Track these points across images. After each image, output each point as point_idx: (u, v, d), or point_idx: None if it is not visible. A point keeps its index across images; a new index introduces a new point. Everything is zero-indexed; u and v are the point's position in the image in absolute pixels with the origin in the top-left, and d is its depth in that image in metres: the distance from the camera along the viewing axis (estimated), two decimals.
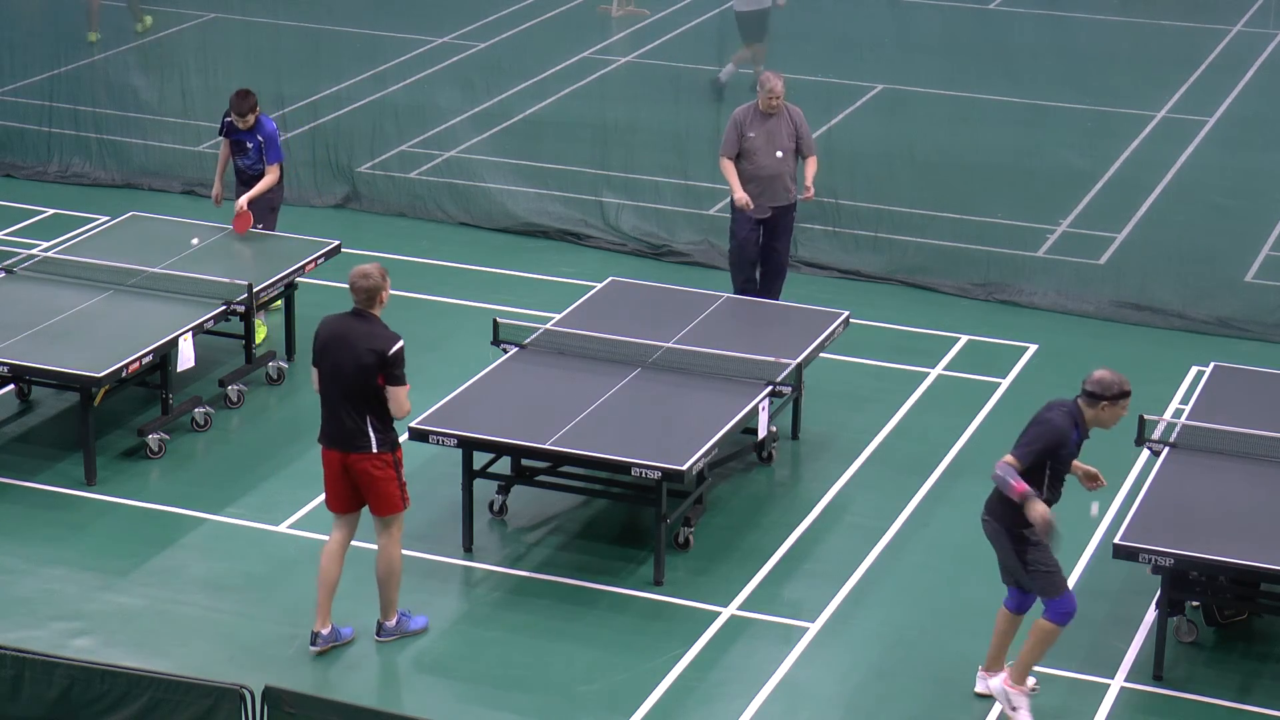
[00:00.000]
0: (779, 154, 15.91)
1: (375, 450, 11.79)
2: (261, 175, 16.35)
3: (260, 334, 16.02)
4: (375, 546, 12.21)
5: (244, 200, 16.23)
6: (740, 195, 15.82)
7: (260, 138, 16.28)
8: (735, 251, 16.24)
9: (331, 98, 21.34)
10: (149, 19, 24.31)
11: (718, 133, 19.79)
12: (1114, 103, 21.66)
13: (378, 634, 12.27)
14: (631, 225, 18.82)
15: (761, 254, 16.22)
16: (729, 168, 15.95)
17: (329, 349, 11.83)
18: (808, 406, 15.05)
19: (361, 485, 11.91)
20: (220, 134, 16.63)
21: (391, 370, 11.69)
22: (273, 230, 16.44)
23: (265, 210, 16.44)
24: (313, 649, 12.12)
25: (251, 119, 16.25)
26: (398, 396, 11.75)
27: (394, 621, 12.25)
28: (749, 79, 21.37)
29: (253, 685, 9.92)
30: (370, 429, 11.77)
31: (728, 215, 18.15)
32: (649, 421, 13.31)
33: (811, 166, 16.15)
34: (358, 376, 11.68)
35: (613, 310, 15.11)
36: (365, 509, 12.08)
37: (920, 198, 19.07)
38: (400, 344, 11.74)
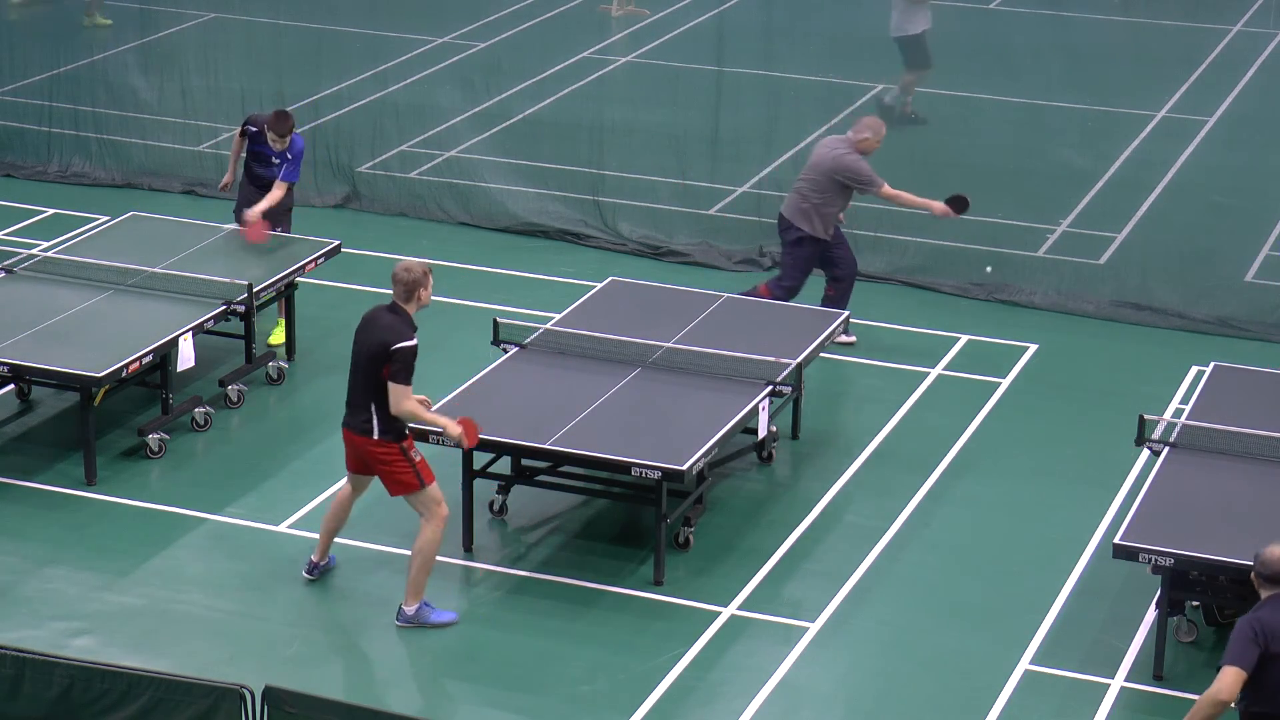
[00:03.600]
0: None
1: (377, 437, 12.02)
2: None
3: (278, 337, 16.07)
4: (376, 546, 12.36)
5: (258, 210, 16.06)
6: (940, 205, 16.38)
7: (290, 155, 16.22)
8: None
9: (332, 97, 21.33)
10: (105, 20, 24.34)
11: (717, 133, 19.89)
12: (1114, 103, 21.64)
13: (397, 618, 12.35)
14: (630, 226, 18.81)
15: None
16: (900, 194, 16.35)
17: (358, 335, 12.14)
18: (808, 406, 15.05)
19: (374, 471, 12.24)
20: (241, 135, 16.40)
21: (393, 364, 11.83)
22: (289, 232, 16.42)
23: (281, 212, 16.40)
24: (307, 576, 12.68)
25: (285, 142, 16.18)
26: (395, 393, 11.88)
27: (414, 609, 12.30)
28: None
29: (253, 685, 9.91)
30: (375, 416, 12.01)
31: (727, 216, 18.21)
32: (649, 421, 13.30)
33: None
34: (369, 363, 11.95)
35: (613, 310, 15.11)
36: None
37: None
38: (410, 343, 11.88)
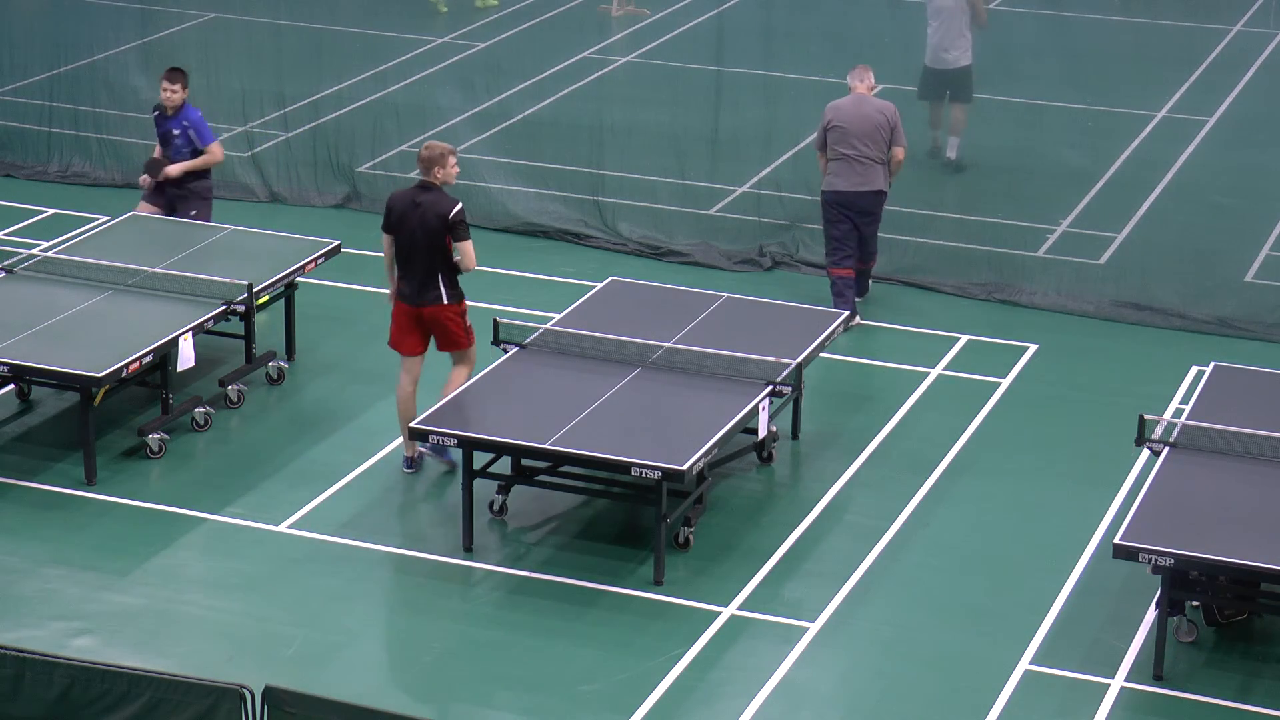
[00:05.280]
0: None
1: (447, 303, 13.78)
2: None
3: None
4: (376, 546, 12.23)
5: (177, 168, 16.50)
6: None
7: (186, 123, 16.51)
8: None
9: (332, 97, 21.33)
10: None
11: (716, 133, 19.88)
12: (1114, 103, 21.65)
13: (421, 445, 13.97)
14: (630, 226, 18.80)
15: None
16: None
17: (405, 220, 13.74)
18: (808, 406, 15.05)
19: (435, 331, 13.91)
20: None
21: (455, 229, 13.61)
22: (208, 220, 16.58)
23: (199, 199, 16.62)
24: (407, 471, 14.09)
25: (180, 96, 16.44)
26: (465, 250, 13.71)
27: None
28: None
29: (253, 685, 9.92)
30: (442, 284, 13.74)
31: (727, 216, 18.22)
32: (649, 421, 13.30)
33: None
34: (431, 239, 13.62)
35: (613, 310, 15.11)
36: (427, 356, 14.08)
37: (920, 198, 19.06)
38: (460, 205, 13.68)
